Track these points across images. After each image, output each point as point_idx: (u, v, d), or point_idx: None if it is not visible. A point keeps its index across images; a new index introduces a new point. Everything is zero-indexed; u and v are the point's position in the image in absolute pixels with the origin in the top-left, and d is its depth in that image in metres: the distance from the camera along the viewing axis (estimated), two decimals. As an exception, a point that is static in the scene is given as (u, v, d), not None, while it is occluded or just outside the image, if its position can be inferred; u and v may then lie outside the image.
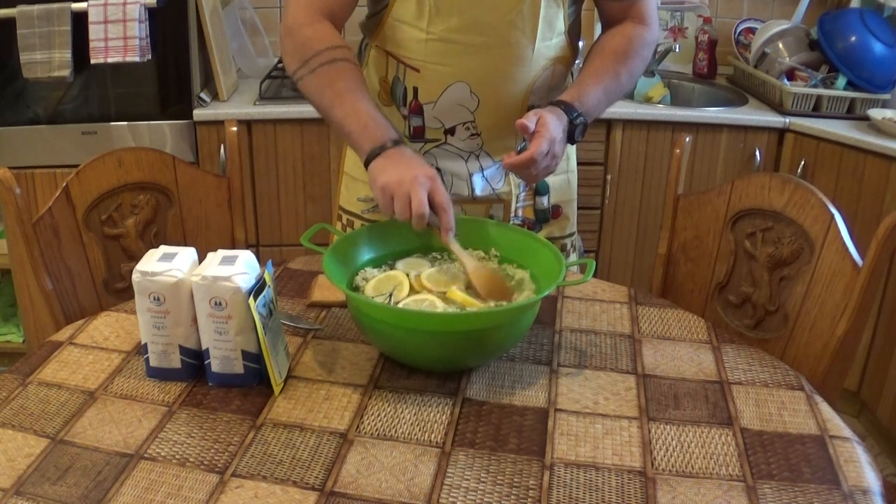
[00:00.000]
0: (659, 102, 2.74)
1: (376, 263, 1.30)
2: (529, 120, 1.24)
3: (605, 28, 1.45)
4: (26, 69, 2.30)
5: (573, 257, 1.60)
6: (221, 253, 1.15)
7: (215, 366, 1.13)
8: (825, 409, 1.13)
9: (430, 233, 1.23)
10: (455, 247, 1.23)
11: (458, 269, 1.27)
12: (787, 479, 0.99)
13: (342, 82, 1.28)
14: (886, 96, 2.57)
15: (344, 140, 1.32)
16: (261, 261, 1.18)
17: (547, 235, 1.50)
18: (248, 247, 1.61)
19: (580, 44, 1.48)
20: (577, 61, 1.48)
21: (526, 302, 1.17)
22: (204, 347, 1.13)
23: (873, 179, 2.37)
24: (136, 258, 1.41)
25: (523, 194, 1.51)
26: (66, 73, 2.31)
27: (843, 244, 1.35)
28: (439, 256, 1.33)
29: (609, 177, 2.66)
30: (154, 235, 1.61)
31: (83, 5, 2.28)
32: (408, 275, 1.24)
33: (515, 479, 0.97)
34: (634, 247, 2.76)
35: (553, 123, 1.25)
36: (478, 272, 1.22)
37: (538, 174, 1.27)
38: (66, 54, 2.30)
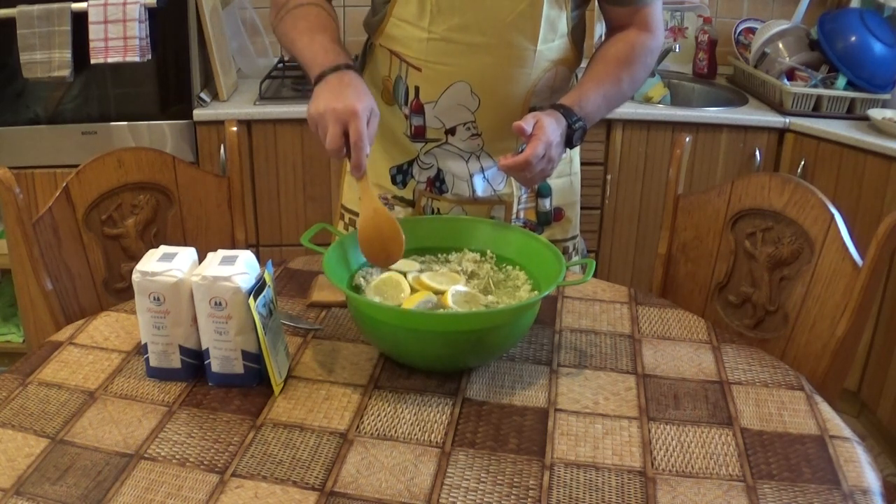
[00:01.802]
0: (659, 102, 2.74)
1: (376, 263, 1.30)
2: (527, 123, 1.23)
3: (609, 33, 1.45)
4: (26, 69, 2.30)
5: (576, 260, 1.59)
6: (221, 253, 1.15)
7: (215, 366, 1.13)
8: (825, 409, 1.13)
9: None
10: (363, 189, 1.23)
11: (455, 269, 1.28)
12: (787, 479, 0.99)
13: (304, 22, 1.34)
14: (886, 96, 2.57)
15: (305, 75, 1.34)
16: (261, 261, 1.18)
17: (549, 238, 1.49)
18: (248, 247, 1.60)
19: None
20: (581, 64, 1.47)
21: (526, 302, 1.17)
22: (204, 347, 1.13)
23: (873, 179, 2.37)
24: (136, 258, 1.41)
25: (525, 196, 1.51)
26: (66, 73, 2.31)
27: (843, 244, 1.35)
28: (436, 258, 1.33)
29: (609, 177, 2.66)
30: (154, 235, 1.61)
31: (83, 5, 2.28)
32: (404, 275, 1.24)
33: (515, 479, 0.97)
34: (634, 247, 2.76)
35: (551, 127, 1.25)
36: (365, 228, 1.22)
37: (534, 177, 1.27)
38: (66, 54, 2.30)
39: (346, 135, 1.17)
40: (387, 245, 1.23)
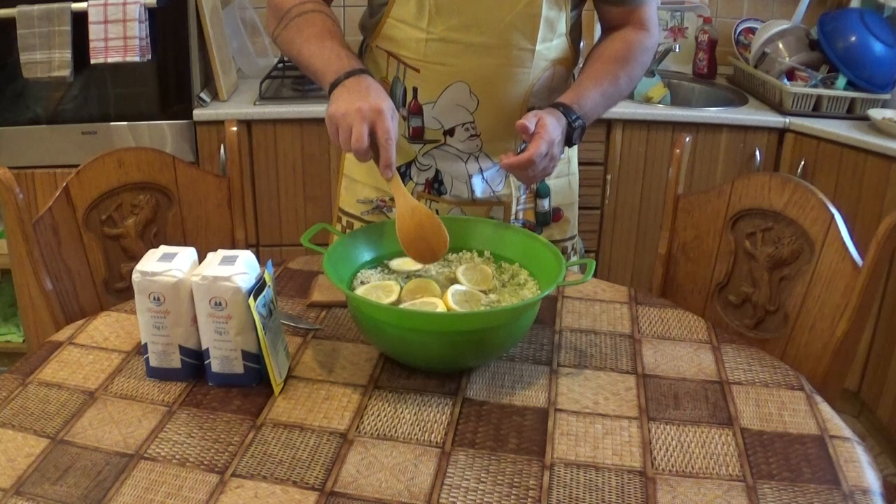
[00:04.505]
0: (659, 102, 2.74)
1: (376, 263, 1.30)
2: (529, 121, 1.24)
3: (605, 32, 1.45)
4: (26, 69, 2.30)
5: (575, 260, 1.59)
6: (221, 253, 1.15)
7: (215, 366, 1.13)
8: (825, 409, 1.13)
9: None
10: (396, 188, 1.23)
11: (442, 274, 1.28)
12: (787, 479, 0.99)
13: (310, 29, 1.33)
14: (886, 96, 2.57)
15: (316, 82, 1.32)
16: (261, 261, 1.18)
17: (547, 238, 1.49)
18: (248, 247, 1.60)
19: (581, 45, 1.47)
20: (578, 63, 1.48)
21: (526, 302, 1.17)
22: (204, 347, 1.13)
23: (873, 179, 2.37)
24: (136, 258, 1.41)
25: (524, 197, 1.51)
26: (66, 73, 2.31)
27: (843, 244, 1.35)
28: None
29: (609, 177, 2.66)
30: (154, 235, 1.61)
31: (83, 5, 2.28)
32: (401, 286, 1.24)
33: (515, 479, 0.97)
34: (634, 247, 2.76)
35: (552, 125, 1.25)
36: (405, 227, 1.22)
37: (536, 176, 1.27)
38: (66, 54, 2.30)
39: (371, 135, 1.17)
40: (430, 241, 1.23)
